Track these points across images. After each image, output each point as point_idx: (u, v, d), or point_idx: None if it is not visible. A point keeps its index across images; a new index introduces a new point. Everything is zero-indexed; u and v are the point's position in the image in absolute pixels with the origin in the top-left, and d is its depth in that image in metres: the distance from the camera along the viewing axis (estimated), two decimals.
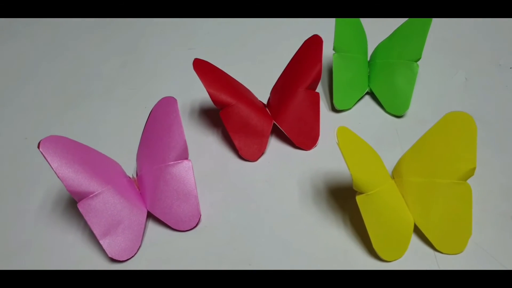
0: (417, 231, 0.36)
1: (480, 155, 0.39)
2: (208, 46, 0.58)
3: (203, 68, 0.43)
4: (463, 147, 0.35)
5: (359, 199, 0.34)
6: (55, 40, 0.60)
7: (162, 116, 0.39)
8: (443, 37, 0.55)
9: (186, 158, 0.38)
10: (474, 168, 0.34)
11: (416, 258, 0.34)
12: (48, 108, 0.50)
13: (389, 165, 0.39)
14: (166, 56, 0.57)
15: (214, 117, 0.47)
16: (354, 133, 0.35)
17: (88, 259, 0.36)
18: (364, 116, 0.46)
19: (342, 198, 0.39)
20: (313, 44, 0.44)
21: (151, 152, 0.39)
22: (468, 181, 0.34)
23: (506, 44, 0.54)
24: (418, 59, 0.45)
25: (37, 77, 0.55)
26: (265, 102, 0.46)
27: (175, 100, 0.39)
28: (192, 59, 0.42)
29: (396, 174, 0.38)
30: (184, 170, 0.38)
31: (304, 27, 0.57)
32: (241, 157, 0.43)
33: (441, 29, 0.56)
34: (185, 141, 0.38)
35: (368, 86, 0.48)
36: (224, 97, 0.42)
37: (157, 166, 0.38)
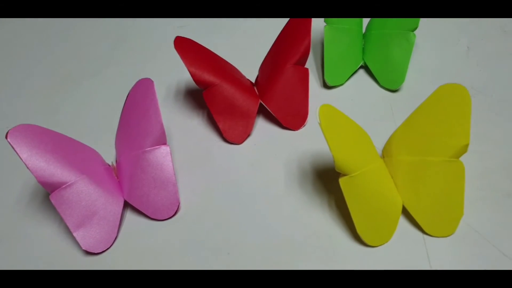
0: (406, 213, 0.33)
1: (480, 129, 0.37)
2: (198, 23, 0.56)
3: (185, 46, 0.40)
4: (456, 121, 0.32)
5: (342, 181, 0.32)
6: (43, 24, 0.59)
7: (139, 99, 0.37)
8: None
9: (164, 144, 0.36)
10: (467, 145, 0.31)
11: (403, 243, 0.32)
12: (34, 94, 0.49)
13: (381, 139, 0.37)
14: (155, 35, 0.55)
15: (200, 98, 0.45)
16: (339, 111, 0.33)
17: (64, 253, 0.35)
18: (358, 91, 0.44)
19: (329, 180, 0.37)
20: (301, 19, 0.41)
21: (128, 138, 0.37)
22: (466, 156, 0.32)
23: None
24: (415, 28, 0.42)
25: (25, 62, 0.53)
26: (254, 80, 0.44)
27: (152, 82, 0.37)
28: (183, 37, 0.40)
29: (386, 153, 0.36)
30: (161, 156, 0.36)
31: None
32: (226, 140, 0.41)
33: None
34: (162, 126, 0.36)
35: (363, 59, 0.45)
36: (207, 76, 0.40)
37: (134, 152, 0.36)
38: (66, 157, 0.35)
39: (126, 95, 0.46)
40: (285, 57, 0.41)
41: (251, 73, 0.44)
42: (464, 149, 0.32)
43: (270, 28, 0.46)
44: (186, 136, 0.42)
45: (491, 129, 0.39)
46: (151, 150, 0.36)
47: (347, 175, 0.31)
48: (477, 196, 0.34)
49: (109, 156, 0.40)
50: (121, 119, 0.39)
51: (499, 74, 0.43)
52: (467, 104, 0.32)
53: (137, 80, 0.37)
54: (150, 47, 0.53)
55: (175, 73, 0.47)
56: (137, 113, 0.37)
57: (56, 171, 0.34)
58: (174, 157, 0.40)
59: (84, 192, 0.35)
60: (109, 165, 0.39)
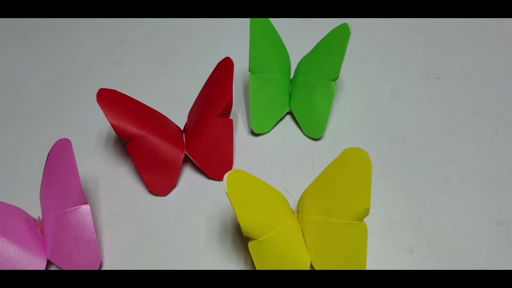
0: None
1: (392, 180, 0.38)
2: (135, 59, 0.56)
3: (108, 98, 0.41)
4: (358, 186, 0.34)
5: (250, 245, 0.33)
6: None
7: (58, 160, 0.38)
8: (369, 42, 0.53)
9: (85, 203, 0.37)
10: (368, 209, 0.33)
11: None
12: None
13: (299, 192, 0.39)
14: (90, 72, 0.55)
15: None
16: (249, 175, 0.34)
17: None
18: (282, 139, 0.45)
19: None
20: (225, 67, 0.42)
21: (49, 198, 0.38)
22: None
23: (435, 50, 0.52)
24: (336, 78, 0.43)
25: None
26: (183, 126, 0.45)
27: (70, 143, 0.37)
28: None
29: (299, 208, 0.37)
30: (82, 216, 0.37)
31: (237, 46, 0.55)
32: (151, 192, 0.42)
33: (366, 32, 0.54)
34: (81, 186, 0.36)
35: (289, 105, 0.46)
36: (129, 129, 0.41)
37: (55, 213, 0.37)
38: None
39: (52, 142, 0.47)
40: (209, 109, 0.42)
41: (184, 115, 0.45)
42: (365, 212, 0.33)
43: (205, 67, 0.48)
44: (114, 185, 0.43)
45: (403, 181, 0.40)
46: (72, 211, 0.37)
47: (255, 239, 0.33)
48: (382, 252, 0.36)
49: (37, 207, 0.40)
50: (43, 178, 0.39)
51: (417, 122, 0.45)
52: (368, 169, 0.33)
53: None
54: (84, 87, 0.53)
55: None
56: (57, 173, 0.38)
57: None
58: (99, 209, 0.41)
59: (4, 255, 0.35)
60: (35, 220, 0.39)
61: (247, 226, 0.32)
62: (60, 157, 0.38)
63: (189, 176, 0.43)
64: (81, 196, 0.37)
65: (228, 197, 0.31)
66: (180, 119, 0.45)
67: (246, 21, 0.47)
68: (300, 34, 0.54)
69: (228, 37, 0.57)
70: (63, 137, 0.46)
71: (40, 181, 0.41)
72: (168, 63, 0.55)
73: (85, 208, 0.37)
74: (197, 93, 0.46)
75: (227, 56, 0.41)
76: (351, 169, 0.34)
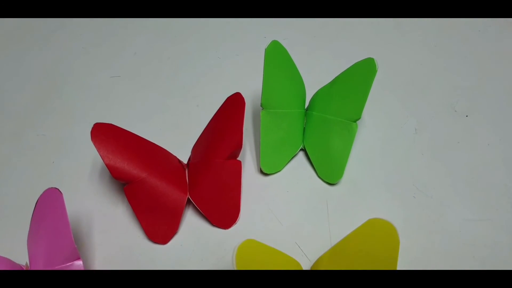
0: None
1: (415, 239, 0.36)
2: (133, 71, 0.51)
3: (104, 135, 0.37)
4: (382, 263, 0.30)
5: None
6: None
7: (47, 211, 0.34)
8: (389, 71, 0.49)
9: (77, 259, 0.34)
10: None
11: None
12: None
13: (312, 251, 0.36)
14: (85, 85, 0.50)
15: None
16: (260, 245, 0.31)
17: None
18: (294, 181, 0.41)
19: None
20: (235, 104, 0.37)
21: (38, 250, 0.34)
22: None
23: (464, 81, 0.47)
24: (357, 119, 0.39)
25: None
26: (186, 160, 0.41)
27: (61, 194, 0.33)
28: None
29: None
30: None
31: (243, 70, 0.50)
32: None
33: (391, 65, 0.49)
34: (73, 243, 0.33)
35: (303, 142, 0.42)
36: (128, 171, 0.37)
37: (45, 269, 0.34)
38: None
39: (44, 169, 0.43)
40: (216, 150, 0.38)
41: (186, 144, 0.41)
42: None
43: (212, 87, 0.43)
44: (109, 228, 0.39)
45: (424, 240, 0.37)
46: (63, 268, 0.33)
47: None
48: None
49: (23, 253, 0.37)
50: (31, 227, 0.35)
51: (443, 169, 0.41)
52: (395, 245, 0.30)
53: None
54: (79, 104, 0.48)
55: None
56: (46, 225, 0.34)
57: None
58: (93, 255, 0.38)
59: None
60: (22, 267, 0.36)
61: None
62: (49, 208, 0.34)
63: (191, 222, 0.39)
64: (73, 253, 0.33)
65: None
66: (182, 149, 0.41)
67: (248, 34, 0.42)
68: (315, 60, 0.49)
69: (234, 53, 0.52)
70: (54, 163, 0.43)
71: (26, 222, 0.37)
72: (169, 82, 0.50)
73: (78, 264, 0.34)
74: (201, 117, 0.42)
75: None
76: (376, 242, 0.31)
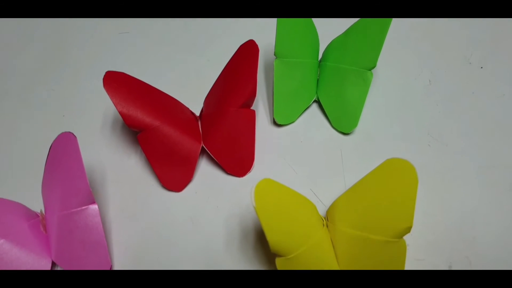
0: None
1: (431, 186, 0.35)
2: (143, 29, 0.50)
3: (116, 83, 0.36)
4: (400, 202, 0.30)
5: (278, 262, 0.30)
6: None
7: (61, 155, 0.34)
8: (404, 23, 0.48)
9: (92, 203, 0.34)
10: (411, 227, 0.30)
11: None
12: None
13: (327, 197, 0.36)
14: (92, 43, 0.49)
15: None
16: (277, 184, 0.31)
17: None
18: (308, 131, 0.41)
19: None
20: (248, 52, 0.37)
21: (53, 196, 0.34)
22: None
23: (479, 34, 0.47)
24: (373, 68, 0.39)
25: None
26: (199, 112, 0.41)
27: (75, 137, 0.33)
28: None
29: (330, 217, 0.34)
30: (90, 217, 0.34)
31: (254, 26, 0.49)
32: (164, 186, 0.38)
33: (404, 22, 0.48)
34: (88, 186, 0.33)
35: (316, 93, 0.42)
36: (141, 119, 0.36)
37: (60, 213, 0.34)
38: None
39: (54, 122, 0.42)
40: (229, 100, 0.38)
41: (197, 97, 0.40)
42: (406, 230, 0.30)
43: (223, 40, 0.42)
44: (122, 178, 0.39)
45: (440, 187, 0.37)
46: (78, 211, 0.33)
47: (283, 256, 0.30)
48: (417, 267, 0.33)
49: (38, 198, 0.37)
50: (45, 172, 0.35)
51: (457, 118, 0.41)
52: (414, 185, 0.30)
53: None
54: (87, 60, 0.48)
55: None
56: (61, 169, 0.34)
57: None
58: (107, 205, 0.38)
59: (4, 259, 0.32)
60: (37, 214, 0.36)
61: (276, 245, 0.29)
62: (63, 153, 0.34)
63: (205, 171, 0.39)
64: (88, 196, 0.33)
65: (256, 212, 0.28)
66: (193, 102, 0.41)
67: None
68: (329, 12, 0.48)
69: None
70: (64, 117, 0.43)
71: (40, 170, 0.37)
72: (178, 37, 0.49)
73: (93, 208, 0.34)
74: (211, 71, 0.41)
75: (249, 37, 0.37)
76: (394, 182, 0.30)
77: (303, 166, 0.39)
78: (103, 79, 0.35)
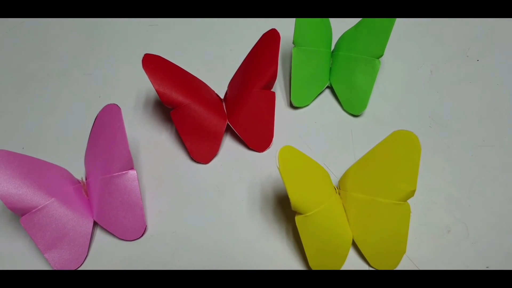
0: (356, 247, 0.37)
1: (431, 161, 0.39)
2: (171, 23, 0.55)
3: (153, 64, 0.41)
4: (405, 168, 0.34)
5: (297, 219, 0.34)
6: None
7: (106, 124, 0.38)
8: (410, 25, 0.53)
9: (131, 168, 0.38)
10: (414, 190, 0.34)
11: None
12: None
13: (338, 170, 0.40)
14: (125, 34, 0.54)
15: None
16: (299, 152, 0.35)
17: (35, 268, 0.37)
18: (321, 113, 0.45)
19: (288, 207, 0.39)
20: (270, 39, 0.41)
21: (96, 161, 0.39)
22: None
23: (475, 30, 0.52)
24: (380, 56, 0.43)
25: None
26: (223, 95, 0.45)
27: (119, 108, 0.37)
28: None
29: (342, 185, 0.38)
30: (129, 181, 0.38)
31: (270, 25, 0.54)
32: (193, 159, 0.43)
33: (409, 20, 0.53)
34: (129, 152, 0.37)
35: (329, 80, 0.46)
36: (175, 97, 0.41)
37: (102, 176, 0.38)
38: (35, 181, 0.36)
39: (91, 102, 0.46)
40: (252, 81, 0.42)
41: (221, 83, 0.45)
42: (411, 194, 0.34)
43: (244, 32, 0.46)
44: (154, 151, 0.43)
45: (441, 162, 0.41)
46: (119, 175, 0.38)
47: (303, 214, 0.34)
48: (420, 231, 0.37)
49: (79, 168, 0.41)
50: (89, 141, 0.39)
51: (456, 104, 0.45)
52: (417, 153, 0.34)
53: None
54: (120, 48, 0.52)
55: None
56: (105, 137, 0.38)
57: (25, 196, 0.35)
58: (141, 174, 0.42)
59: (54, 215, 0.36)
60: (79, 181, 0.40)
61: (296, 201, 0.33)
62: (108, 122, 0.38)
63: (229, 146, 0.44)
64: (129, 162, 0.37)
65: (280, 172, 0.32)
66: (217, 87, 0.45)
67: None
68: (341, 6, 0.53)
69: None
70: (100, 98, 0.47)
71: (80, 144, 0.42)
72: (203, 28, 0.54)
73: (132, 173, 0.38)
74: (234, 60, 0.46)
75: (272, 27, 0.41)
76: (399, 151, 0.35)
77: (317, 144, 0.43)
78: (142, 60, 0.40)
